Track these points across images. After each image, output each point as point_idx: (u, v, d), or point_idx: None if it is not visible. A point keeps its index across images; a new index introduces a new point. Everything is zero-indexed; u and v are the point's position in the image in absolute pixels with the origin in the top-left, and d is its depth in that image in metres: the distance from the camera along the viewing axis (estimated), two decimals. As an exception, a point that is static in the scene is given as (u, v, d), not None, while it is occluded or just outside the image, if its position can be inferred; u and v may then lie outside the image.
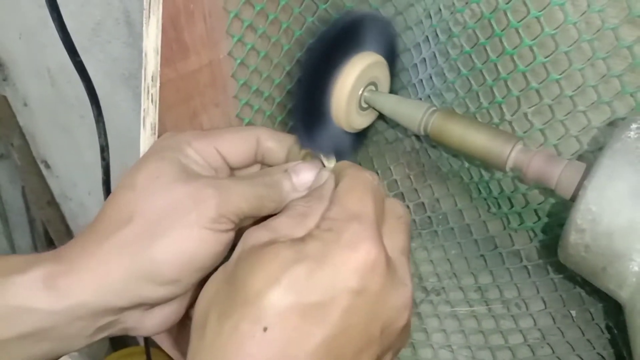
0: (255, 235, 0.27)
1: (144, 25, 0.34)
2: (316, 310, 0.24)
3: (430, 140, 0.42)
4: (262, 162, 0.35)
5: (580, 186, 0.27)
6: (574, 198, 0.28)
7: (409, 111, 0.35)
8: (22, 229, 1.57)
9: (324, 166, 0.33)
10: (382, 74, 0.37)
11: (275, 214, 0.30)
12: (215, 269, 0.28)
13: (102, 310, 0.27)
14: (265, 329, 0.23)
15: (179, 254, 0.27)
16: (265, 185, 0.30)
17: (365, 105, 0.37)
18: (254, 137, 0.34)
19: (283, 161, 0.34)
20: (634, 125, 0.26)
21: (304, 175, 0.32)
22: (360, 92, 0.36)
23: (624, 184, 0.24)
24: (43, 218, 1.43)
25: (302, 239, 0.26)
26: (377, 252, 0.25)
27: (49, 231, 1.45)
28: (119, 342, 1.45)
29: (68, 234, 1.46)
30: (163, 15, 0.34)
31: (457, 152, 0.39)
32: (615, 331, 0.35)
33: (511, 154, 0.31)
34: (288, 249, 0.25)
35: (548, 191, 0.37)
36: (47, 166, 1.35)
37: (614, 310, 0.37)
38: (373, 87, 0.37)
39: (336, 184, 0.30)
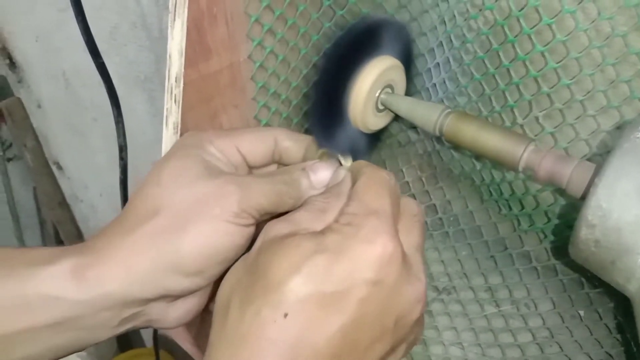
0: (276, 227, 0.28)
1: (169, 27, 0.36)
2: (334, 299, 0.25)
3: (443, 143, 0.43)
4: (280, 162, 0.36)
5: (590, 184, 0.28)
6: (584, 197, 0.29)
7: (425, 113, 0.36)
8: (32, 230, 1.58)
9: (341, 165, 0.34)
10: (399, 77, 0.38)
11: (292, 210, 0.31)
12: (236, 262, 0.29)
13: (128, 301, 0.28)
14: (285, 315, 0.24)
15: (203, 246, 0.28)
16: (285, 182, 0.32)
17: (381, 107, 0.38)
18: (272, 138, 0.35)
19: (300, 161, 0.35)
20: (642, 127, 0.27)
21: (321, 173, 0.33)
22: (377, 94, 0.37)
23: (633, 182, 0.25)
24: (54, 219, 1.44)
25: (321, 232, 0.27)
26: (393, 247, 0.26)
27: (60, 232, 1.47)
28: (126, 343, 1.46)
29: (78, 235, 1.47)
30: (187, 18, 0.35)
31: (471, 152, 0.40)
32: (625, 327, 0.36)
33: (523, 154, 0.32)
34: (308, 240, 0.26)
35: (558, 193, 0.38)
36: (59, 167, 1.36)
37: (622, 307, 0.37)
38: (389, 90, 0.38)
39: (354, 182, 0.31)
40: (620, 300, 0.37)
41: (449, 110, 0.36)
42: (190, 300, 0.31)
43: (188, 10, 0.35)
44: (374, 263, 0.26)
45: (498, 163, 0.34)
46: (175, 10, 0.35)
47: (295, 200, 0.32)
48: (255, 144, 0.34)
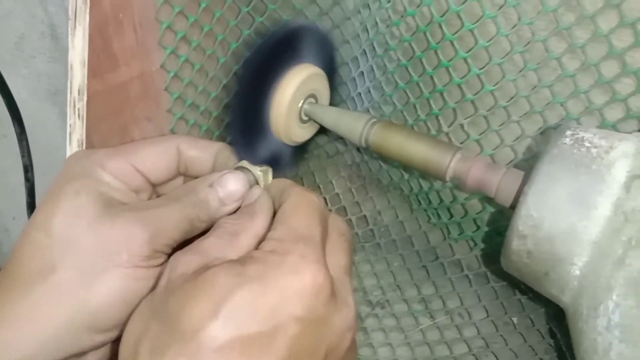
0: (184, 261, 0.25)
1: (70, 35, 0.32)
2: (259, 341, 0.22)
3: (371, 153, 0.42)
4: (185, 174, 0.33)
5: (520, 193, 0.27)
6: (513, 205, 0.28)
7: (350, 123, 0.34)
8: (-63, 259, 1.45)
9: (255, 179, 0.32)
10: (322, 86, 0.37)
11: (205, 232, 0.28)
12: None
13: None
14: None
15: (116, 299, 0.26)
16: (193, 205, 0.29)
17: (305, 118, 0.36)
18: (174, 148, 0.32)
19: (209, 171, 0.32)
20: (568, 132, 0.26)
21: (230, 186, 0.30)
22: (300, 105, 0.35)
23: (563, 189, 0.25)
24: (-39, 246, 1.33)
25: (241, 262, 0.24)
26: (323, 277, 0.24)
27: (-31, 260, 1.35)
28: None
29: (-10, 262, 1.36)
30: (90, 25, 0.32)
31: (398, 163, 0.39)
32: (559, 336, 0.35)
33: (451, 163, 0.31)
34: (226, 274, 0.23)
35: (486, 200, 0.38)
36: (-34, 191, 1.26)
37: (553, 312, 0.37)
38: (313, 100, 0.36)
39: (279, 203, 0.28)
40: (551, 306, 0.37)
41: (375, 120, 0.34)
42: (101, 350, 0.28)
43: (90, 16, 0.32)
44: (302, 296, 0.23)
45: (426, 173, 0.33)
46: (75, 17, 0.32)
47: (207, 222, 0.29)
48: (155, 159, 0.31)
